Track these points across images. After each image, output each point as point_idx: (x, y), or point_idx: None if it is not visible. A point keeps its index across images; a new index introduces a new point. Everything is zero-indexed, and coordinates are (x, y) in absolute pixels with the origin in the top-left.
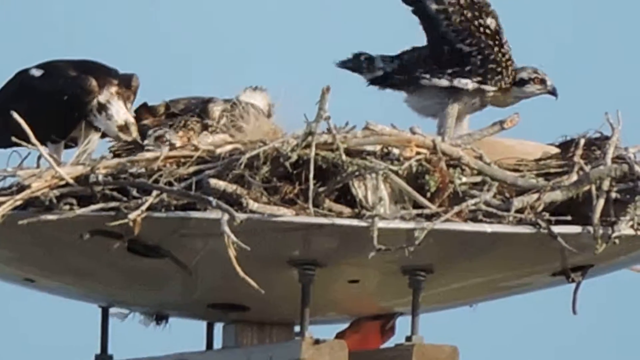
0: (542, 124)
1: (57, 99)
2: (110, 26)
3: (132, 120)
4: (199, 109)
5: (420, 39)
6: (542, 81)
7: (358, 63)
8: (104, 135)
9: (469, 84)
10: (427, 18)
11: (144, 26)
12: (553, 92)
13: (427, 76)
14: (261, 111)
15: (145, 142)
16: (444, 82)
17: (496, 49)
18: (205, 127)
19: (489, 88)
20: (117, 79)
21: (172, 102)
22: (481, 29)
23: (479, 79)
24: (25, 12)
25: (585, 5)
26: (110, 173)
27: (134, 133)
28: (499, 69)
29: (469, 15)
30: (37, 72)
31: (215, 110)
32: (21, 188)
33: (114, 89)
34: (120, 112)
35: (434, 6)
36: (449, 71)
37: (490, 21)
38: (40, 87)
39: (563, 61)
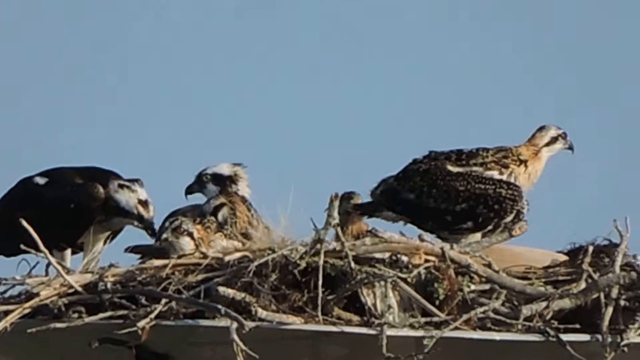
0: (551, 231)
1: (64, 207)
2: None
3: (150, 200)
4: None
5: None
6: (565, 136)
7: None
8: (113, 237)
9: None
10: None
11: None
12: (572, 147)
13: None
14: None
15: (164, 235)
16: None
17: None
18: (220, 229)
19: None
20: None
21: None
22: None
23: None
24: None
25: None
26: (118, 281)
27: (152, 212)
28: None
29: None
30: (41, 180)
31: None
32: (30, 296)
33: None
34: (143, 191)
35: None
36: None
37: None
38: (46, 195)
39: (571, 169)
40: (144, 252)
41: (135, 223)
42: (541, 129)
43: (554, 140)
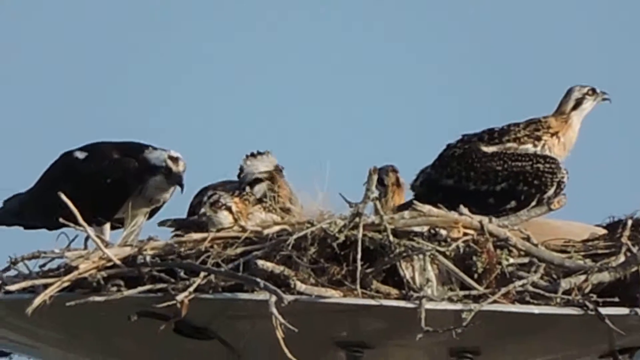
0: (589, 205)
1: (100, 182)
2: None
3: (181, 157)
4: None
5: None
6: (594, 91)
7: None
8: (151, 215)
9: None
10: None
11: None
12: (607, 99)
13: None
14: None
15: (202, 210)
16: None
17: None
18: (259, 202)
19: None
20: None
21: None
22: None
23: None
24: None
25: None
26: (157, 254)
27: (182, 167)
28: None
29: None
30: (80, 155)
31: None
32: (69, 269)
33: None
34: (176, 152)
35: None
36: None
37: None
38: (84, 169)
39: (609, 143)
40: (180, 225)
41: (166, 180)
42: (566, 94)
43: (579, 101)
